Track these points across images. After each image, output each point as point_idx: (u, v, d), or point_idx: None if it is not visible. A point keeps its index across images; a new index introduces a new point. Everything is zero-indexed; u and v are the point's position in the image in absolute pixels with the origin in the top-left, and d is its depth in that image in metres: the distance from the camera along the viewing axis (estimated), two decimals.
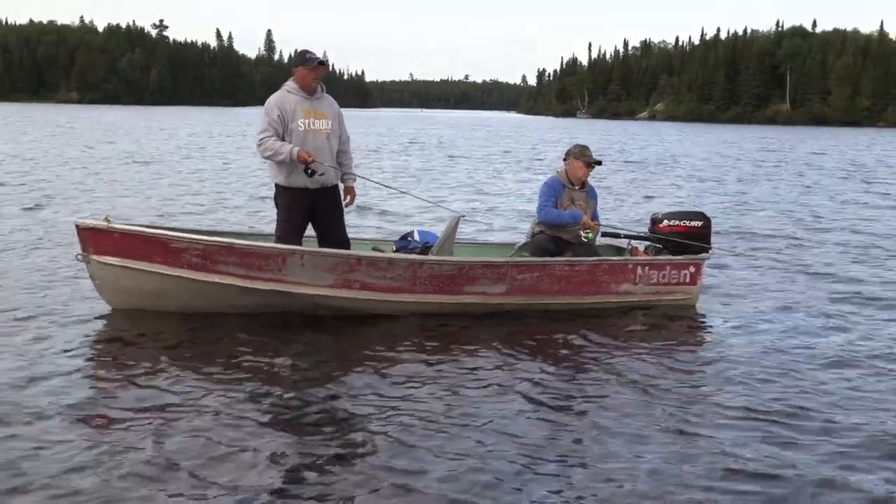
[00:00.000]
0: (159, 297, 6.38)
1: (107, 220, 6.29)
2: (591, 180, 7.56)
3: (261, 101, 7.16)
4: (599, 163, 7.49)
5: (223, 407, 4.68)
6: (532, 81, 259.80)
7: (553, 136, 54.57)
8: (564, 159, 7.47)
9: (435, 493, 3.77)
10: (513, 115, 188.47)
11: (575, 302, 7.04)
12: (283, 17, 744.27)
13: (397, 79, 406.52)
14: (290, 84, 6.60)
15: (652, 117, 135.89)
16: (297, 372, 5.37)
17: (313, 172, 6.40)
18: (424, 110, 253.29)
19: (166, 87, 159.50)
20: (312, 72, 6.51)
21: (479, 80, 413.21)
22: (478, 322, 6.63)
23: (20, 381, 4.93)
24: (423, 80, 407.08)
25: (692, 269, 7.34)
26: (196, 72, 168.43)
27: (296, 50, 6.86)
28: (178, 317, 6.37)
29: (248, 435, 4.30)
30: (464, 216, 7.88)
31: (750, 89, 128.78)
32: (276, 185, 6.63)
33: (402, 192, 8.94)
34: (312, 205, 6.61)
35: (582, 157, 7.33)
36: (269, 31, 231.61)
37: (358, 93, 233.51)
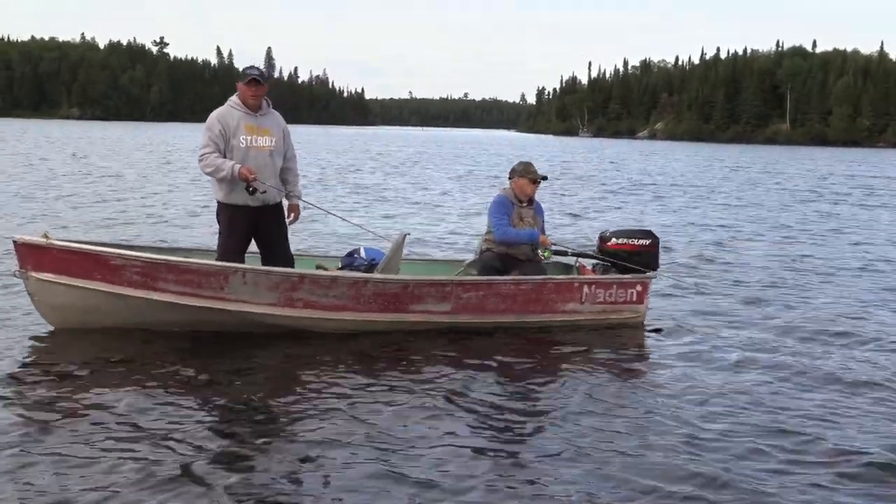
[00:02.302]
0: (98, 315, 6.32)
1: (45, 236, 6.25)
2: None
3: None
4: (545, 178, 7.62)
5: (153, 425, 4.66)
6: (531, 100, 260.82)
7: (566, 158, 53.44)
8: (510, 178, 7.50)
9: None
10: (512, 134, 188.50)
11: (521, 321, 7.00)
12: (283, 34, 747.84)
13: (396, 97, 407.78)
14: (233, 99, 6.55)
15: (652, 136, 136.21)
16: (233, 391, 5.32)
17: (254, 190, 6.36)
18: (424, 128, 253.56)
19: (167, 104, 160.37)
20: (248, 88, 6.43)
21: (479, 98, 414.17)
22: (423, 341, 6.57)
23: None
24: (423, 98, 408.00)
25: (639, 287, 7.31)
26: (196, 88, 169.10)
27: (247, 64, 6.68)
28: (117, 334, 6.31)
29: (170, 457, 4.23)
30: (409, 234, 7.86)
31: (750, 108, 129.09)
32: (218, 202, 6.59)
33: (342, 219, 8.73)
34: (255, 222, 6.57)
35: (527, 174, 7.39)
36: (269, 48, 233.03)
37: (357, 110, 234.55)
